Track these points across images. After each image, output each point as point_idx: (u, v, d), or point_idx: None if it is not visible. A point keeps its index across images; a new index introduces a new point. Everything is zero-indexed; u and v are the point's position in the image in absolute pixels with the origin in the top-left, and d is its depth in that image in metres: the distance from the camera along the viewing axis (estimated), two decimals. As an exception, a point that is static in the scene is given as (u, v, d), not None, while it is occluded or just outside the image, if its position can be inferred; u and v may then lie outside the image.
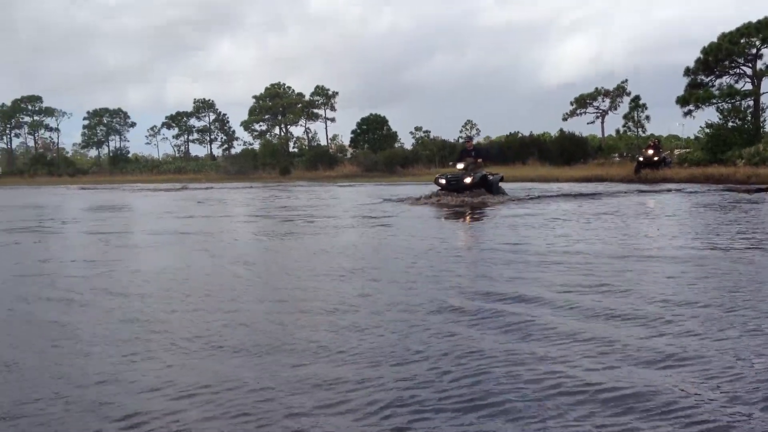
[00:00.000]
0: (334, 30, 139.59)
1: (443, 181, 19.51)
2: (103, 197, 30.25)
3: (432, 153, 60.34)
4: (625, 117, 59.00)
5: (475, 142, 22.77)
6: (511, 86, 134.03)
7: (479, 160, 19.77)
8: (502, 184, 20.44)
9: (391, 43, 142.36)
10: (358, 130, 78.43)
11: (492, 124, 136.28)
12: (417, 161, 58.90)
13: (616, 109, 65.23)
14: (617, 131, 64.20)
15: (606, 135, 65.66)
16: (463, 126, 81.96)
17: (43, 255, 9.06)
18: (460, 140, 74.29)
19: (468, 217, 14.24)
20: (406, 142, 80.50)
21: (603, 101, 66.06)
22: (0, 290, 6.46)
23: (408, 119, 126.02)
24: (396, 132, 79.89)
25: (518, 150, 53.12)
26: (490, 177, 19.68)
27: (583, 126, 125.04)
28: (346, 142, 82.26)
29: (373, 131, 77.99)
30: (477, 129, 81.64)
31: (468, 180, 18.93)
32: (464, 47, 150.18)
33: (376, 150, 68.72)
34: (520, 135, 61.13)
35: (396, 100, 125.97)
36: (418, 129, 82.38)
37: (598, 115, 66.41)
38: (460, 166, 19.71)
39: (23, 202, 26.45)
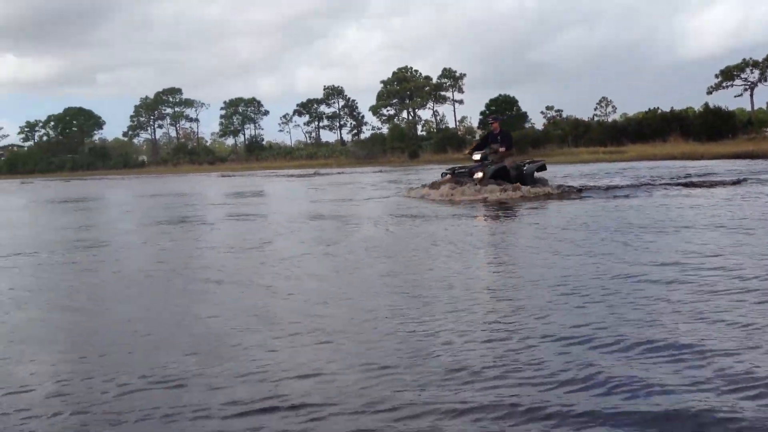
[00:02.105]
0: (459, 11, 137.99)
1: (449, 177, 16.36)
2: (246, 183, 31.20)
3: (564, 133, 58.45)
4: (777, 88, 55.06)
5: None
6: (647, 60, 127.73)
7: (502, 149, 15.94)
8: (543, 174, 16.81)
9: (518, 22, 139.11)
10: (487, 111, 77.45)
11: (628, 100, 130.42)
12: (549, 142, 57.21)
13: (766, 80, 61.01)
14: (768, 104, 60.06)
15: (756, 108, 61.55)
16: (597, 103, 79.32)
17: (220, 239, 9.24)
18: (595, 118, 71.90)
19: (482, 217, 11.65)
20: (537, 122, 78.75)
21: (752, 72, 61.97)
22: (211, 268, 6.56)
23: (538, 99, 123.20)
24: (526, 112, 78.59)
25: (658, 126, 50.58)
26: (525, 166, 16.41)
27: (730, 99, 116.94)
28: (475, 124, 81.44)
29: (503, 112, 76.77)
30: (613, 106, 78.79)
31: (479, 175, 15.48)
32: (595, 21, 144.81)
33: (505, 131, 67.42)
34: (660, 111, 58.16)
35: (525, 80, 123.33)
36: (549, 108, 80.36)
37: (747, 87, 62.34)
38: (477, 156, 16.10)
39: (177, 190, 27.68)
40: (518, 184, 15.27)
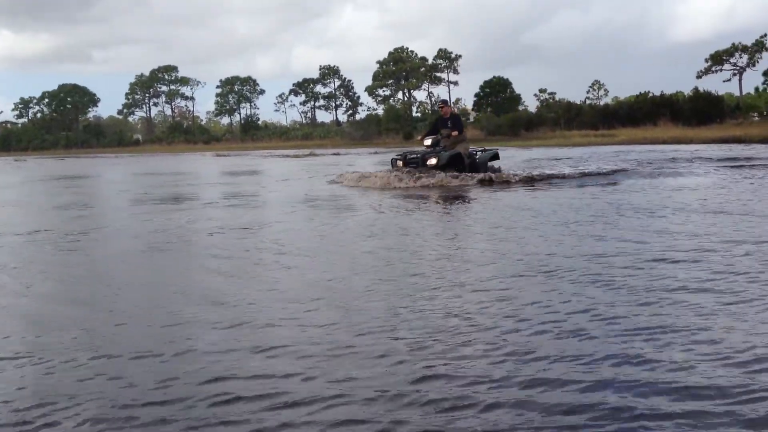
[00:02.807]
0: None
1: (400, 164, 15.31)
2: (240, 163, 31.50)
3: (557, 115, 58.77)
4: (766, 74, 55.38)
5: (446, 110, 15.98)
6: (639, 44, 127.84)
7: (454, 133, 15.15)
8: (497, 163, 16.35)
9: (514, 3, 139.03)
10: (481, 93, 77.68)
11: (620, 83, 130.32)
12: (542, 124, 57.53)
13: (755, 65, 61.38)
14: (756, 89, 60.39)
15: (744, 93, 61.89)
16: (590, 86, 79.31)
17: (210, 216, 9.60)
18: (587, 101, 72.13)
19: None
20: (531, 104, 78.88)
21: (740, 57, 62.29)
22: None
23: (532, 81, 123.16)
24: (520, 95, 78.81)
25: (648, 111, 50.99)
26: (478, 154, 15.72)
27: (719, 84, 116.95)
28: (469, 105, 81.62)
29: (497, 94, 76.98)
30: (605, 89, 78.87)
31: (433, 161, 14.62)
32: (589, 3, 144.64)
33: (499, 113, 67.70)
34: (650, 95, 58.46)
35: (519, 62, 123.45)
36: (542, 91, 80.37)
37: (735, 72, 62.68)
38: (428, 142, 15.27)
39: (173, 169, 27.96)
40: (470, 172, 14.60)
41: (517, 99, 77.64)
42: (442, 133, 15.32)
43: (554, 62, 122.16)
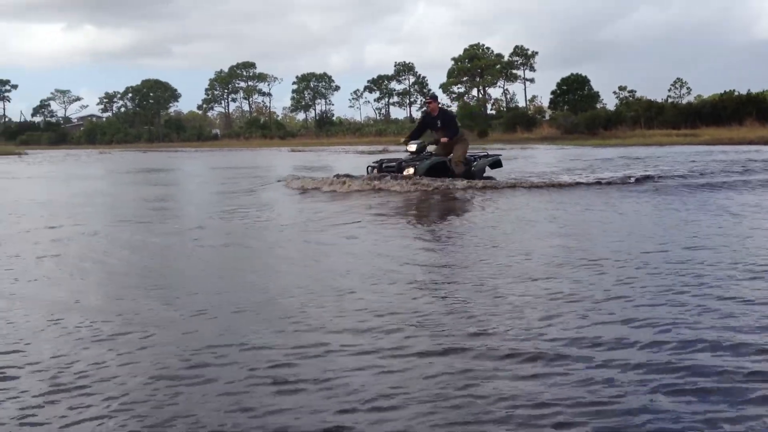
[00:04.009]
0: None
1: (375, 172, 13.40)
2: (319, 159, 31.82)
3: (637, 114, 57.25)
4: None
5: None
6: (723, 39, 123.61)
7: (444, 139, 13.08)
8: (494, 172, 14.17)
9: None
10: (558, 91, 76.37)
11: (704, 81, 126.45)
12: (621, 123, 56.12)
13: None
14: None
15: (840, 91, 59.10)
16: (671, 84, 77.24)
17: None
18: (669, 99, 70.14)
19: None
20: (609, 102, 77.21)
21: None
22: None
23: (611, 78, 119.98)
24: (598, 92, 76.99)
25: (734, 109, 49.21)
26: (475, 160, 13.72)
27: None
28: (545, 103, 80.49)
29: (574, 92, 75.56)
30: (687, 87, 76.65)
31: (410, 171, 12.70)
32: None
33: (576, 111, 66.48)
34: (736, 93, 56.40)
35: (597, 59, 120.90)
36: (622, 89, 78.59)
37: (830, 69, 59.94)
38: (412, 147, 13.19)
39: (250, 164, 28.46)
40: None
41: (595, 97, 76.06)
42: (424, 139, 13.50)
43: (634, 59, 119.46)
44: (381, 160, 14.03)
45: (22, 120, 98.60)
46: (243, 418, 2.77)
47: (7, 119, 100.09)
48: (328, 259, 6.27)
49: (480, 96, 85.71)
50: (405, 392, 2.99)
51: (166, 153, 52.15)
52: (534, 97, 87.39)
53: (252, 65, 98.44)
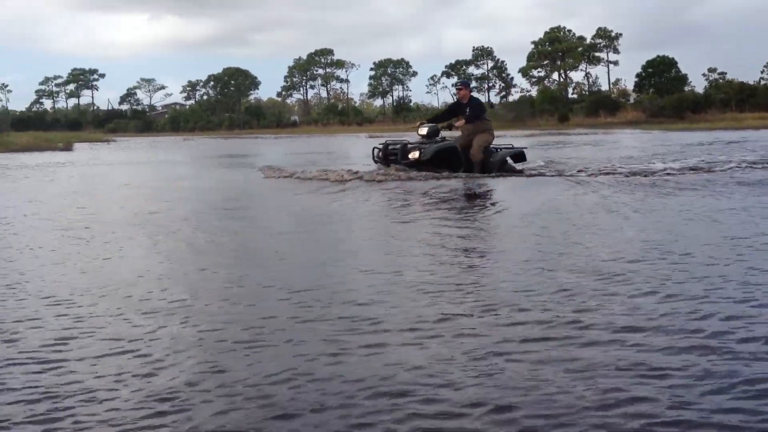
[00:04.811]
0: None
1: (381, 156, 12.64)
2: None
3: (728, 96, 55.08)
4: None
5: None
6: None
7: (460, 122, 11.86)
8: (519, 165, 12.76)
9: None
10: (643, 74, 74.40)
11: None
12: (710, 106, 54.12)
13: None
14: None
15: None
16: (765, 66, 73.78)
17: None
18: (762, 82, 67.15)
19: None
20: (698, 85, 74.49)
21: None
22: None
23: (700, 60, 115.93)
24: (686, 74, 74.68)
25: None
26: (499, 151, 12.40)
27: None
28: (630, 86, 78.36)
29: (660, 74, 73.36)
30: (783, 69, 73.10)
31: (414, 155, 11.78)
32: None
33: (662, 94, 64.45)
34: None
35: (685, 40, 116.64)
36: (711, 71, 75.63)
37: None
38: (423, 131, 12.14)
39: (327, 149, 28.60)
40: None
41: (682, 79, 73.66)
42: (449, 122, 12.22)
43: (724, 39, 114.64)
44: (386, 141, 13.03)
45: (110, 108, 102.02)
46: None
47: (95, 107, 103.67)
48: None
49: (561, 80, 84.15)
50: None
51: (246, 140, 52.99)
52: (618, 80, 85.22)
53: (330, 52, 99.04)
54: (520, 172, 12.30)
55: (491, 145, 12.19)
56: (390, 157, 12.33)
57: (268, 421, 2.55)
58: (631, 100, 70.34)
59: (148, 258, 5.80)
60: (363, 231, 7.16)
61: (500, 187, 10.39)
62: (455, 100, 12.75)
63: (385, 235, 6.82)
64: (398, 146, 12.31)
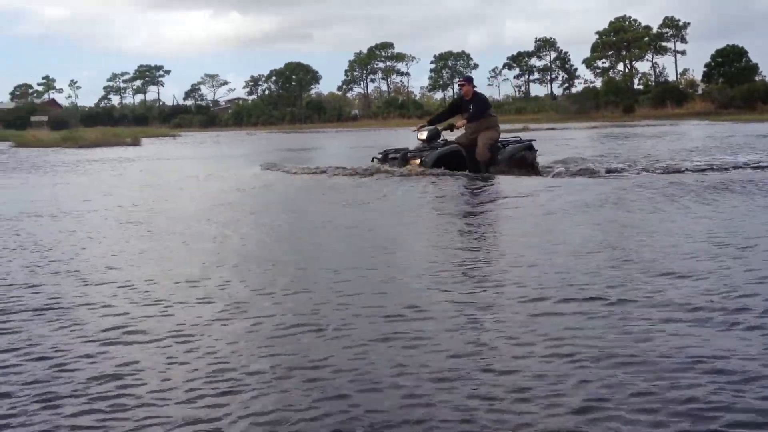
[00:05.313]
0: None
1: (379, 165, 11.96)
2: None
3: (802, 86, 53.19)
4: None
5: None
6: None
7: (460, 123, 11.29)
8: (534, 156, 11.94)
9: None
10: (712, 63, 72.33)
11: None
12: (783, 96, 52.33)
13: None
14: None
15: None
16: (842, 53, 70.90)
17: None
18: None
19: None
20: (770, 75, 72.08)
21: None
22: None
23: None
24: (757, 64, 72.22)
25: None
26: (503, 147, 11.55)
27: None
28: (698, 76, 76.33)
29: (730, 64, 71.22)
30: None
31: (416, 163, 11.13)
32: None
33: (732, 84, 62.56)
34: None
35: (757, 29, 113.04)
36: (784, 59, 73.17)
37: None
38: (423, 135, 11.42)
39: (387, 143, 28.65)
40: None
41: (753, 69, 71.31)
42: (450, 121, 11.61)
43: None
44: (386, 150, 12.29)
45: (175, 104, 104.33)
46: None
47: (161, 103, 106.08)
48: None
49: (626, 70, 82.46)
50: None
51: (307, 134, 53.53)
52: (685, 70, 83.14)
53: (390, 45, 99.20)
54: (532, 168, 11.54)
55: (497, 141, 11.44)
56: (391, 166, 11.57)
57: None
58: (699, 91, 68.52)
59: (216, 246, 6.03)
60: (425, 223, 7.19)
61: (509, 187, 9.67)
62: (459, 96, 12.13)
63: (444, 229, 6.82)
64: (398, 155, 11.65)
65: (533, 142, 12.02)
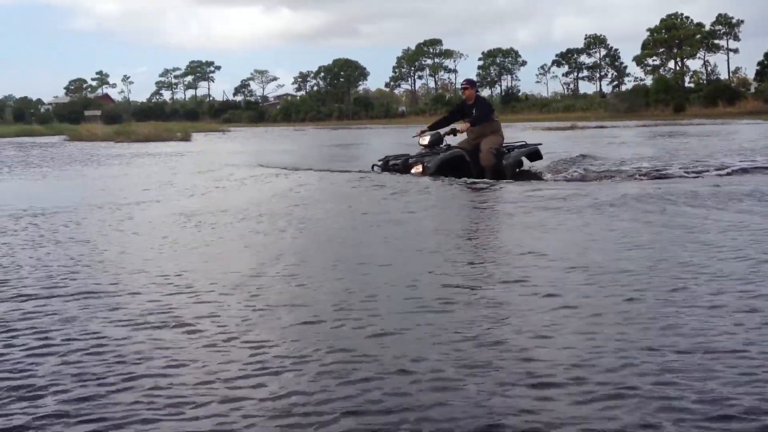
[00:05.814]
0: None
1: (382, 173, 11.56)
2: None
3: None
4: None
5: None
6: None
7: (462, 126, 11.00)
8: (533, 164, 11.77)
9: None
10: (765, 62, 70.73)
11: None
12: (839, 95, 51.16)
13: None
14: None
15: None
16: None
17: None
18: None
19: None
20: (828, 74, 70.32)
21: None
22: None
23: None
24: (815, 62, 70.53)
25: None
26: (508, 152, 11.15)
27: None
28: (751, 75, 74.80)
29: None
30: None
31: (418, 169, 10.69)
32: None
33: (787, 83, 61.35)
34: None
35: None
36: (840, 58, 71.35)
37: None
38: (425, 140, 11.15)
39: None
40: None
41: (810, 68, 69.78)
42: (452, 128, 11.16)
43: None
44: (387, 157, 11.81)
45: (225, 99, 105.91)
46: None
47: (211, 98, 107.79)
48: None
49: (677, 68, 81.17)
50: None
51: (355, 130, 53.82)
52: (738, 68, 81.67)
53: (438, 42, 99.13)
54: (537, 175, 11.29)
55: (502, 146, 11.06)
56: (391, 170, 11.35)
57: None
58: (752, 90, 67.17)
59: (268, 239, 6.38)
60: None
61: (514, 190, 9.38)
62: (462, 100, 11.77)
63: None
64: (399, 161, 11.29)
65: (539, 146, 11.62)
